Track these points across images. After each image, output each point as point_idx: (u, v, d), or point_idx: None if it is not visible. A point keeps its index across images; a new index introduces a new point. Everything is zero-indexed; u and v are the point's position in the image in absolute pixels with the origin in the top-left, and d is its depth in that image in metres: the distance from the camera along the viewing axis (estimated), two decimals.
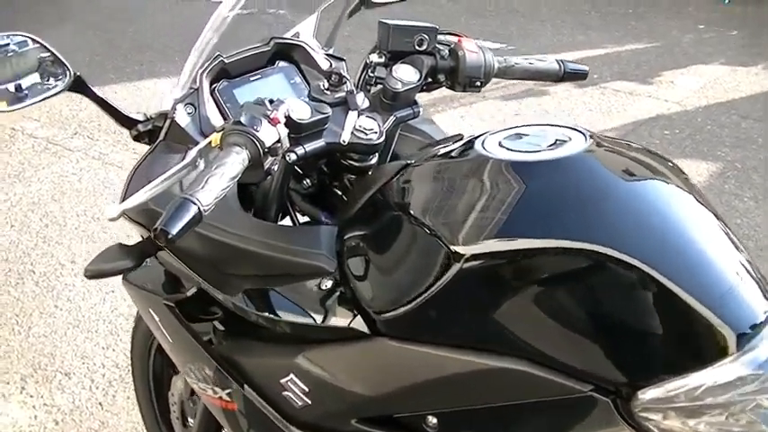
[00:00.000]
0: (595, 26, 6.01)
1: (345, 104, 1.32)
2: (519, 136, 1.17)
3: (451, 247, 1.04)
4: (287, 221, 1.41)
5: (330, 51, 1.57)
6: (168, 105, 1.43)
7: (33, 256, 3.30)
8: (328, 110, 1.27)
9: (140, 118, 1.45)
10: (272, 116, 1.16)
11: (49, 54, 1.36)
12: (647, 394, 0.96)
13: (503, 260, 1.04)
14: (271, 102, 1.20)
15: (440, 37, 1.44)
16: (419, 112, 1.41)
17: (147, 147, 1.45)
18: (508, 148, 1.13)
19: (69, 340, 2.80)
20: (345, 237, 1.23)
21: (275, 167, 1.20)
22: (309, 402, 1.24)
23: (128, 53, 5.68)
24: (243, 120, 1.14)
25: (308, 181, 1.40)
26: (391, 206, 1.20)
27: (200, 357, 1.41)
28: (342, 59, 1.54)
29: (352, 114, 1.30)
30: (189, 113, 1.38)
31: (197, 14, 1.50)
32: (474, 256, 1.03)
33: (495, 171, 1.10)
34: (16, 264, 3.26)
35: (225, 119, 1.40)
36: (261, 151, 1.13)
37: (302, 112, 1.24)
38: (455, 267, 1.04)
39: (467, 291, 1.05)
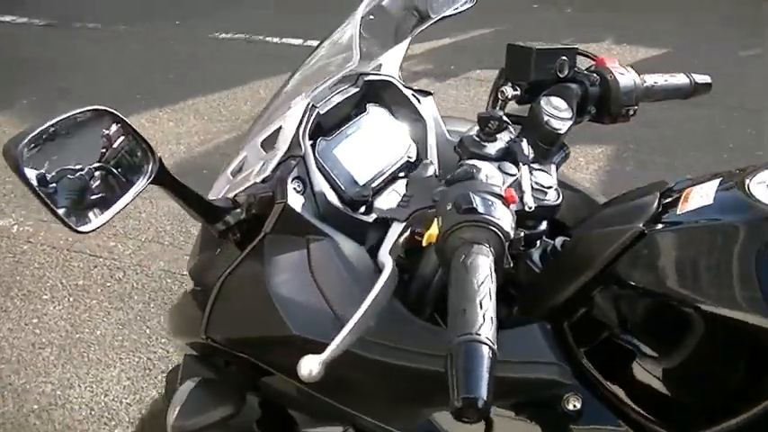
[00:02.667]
0: None
1: (511, 156, 1.02)
2: None
3: None
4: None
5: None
6: (246, 184, 1.05)
7: None
8: (515, 170, 0.97)
9: (224, 204, 1.04)
10: (505, 194, 0.84)
11: (127, 134, 0.93)
12: None
13: None
14: (472, 165, 0.90)
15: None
16: (569, 153, 1.13)
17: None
18: None
19: None
20: (569, 333, 0.93)
21: (511, 264, 0.87)
22: None
23: None
24: (478, 206, 0.81)
25: None
26: (642, 288, 0.91)
27: None
28: (429, 94, 1.23)
29: (525, 170, 1.00)
30: (298, 191, 1.01)
31: None
32: None
33: None
34: None
35: (337, 193, 1.05)
36: (505, 246, 0.82)
37: (495, 177, 0.93)
38: None
39: None
